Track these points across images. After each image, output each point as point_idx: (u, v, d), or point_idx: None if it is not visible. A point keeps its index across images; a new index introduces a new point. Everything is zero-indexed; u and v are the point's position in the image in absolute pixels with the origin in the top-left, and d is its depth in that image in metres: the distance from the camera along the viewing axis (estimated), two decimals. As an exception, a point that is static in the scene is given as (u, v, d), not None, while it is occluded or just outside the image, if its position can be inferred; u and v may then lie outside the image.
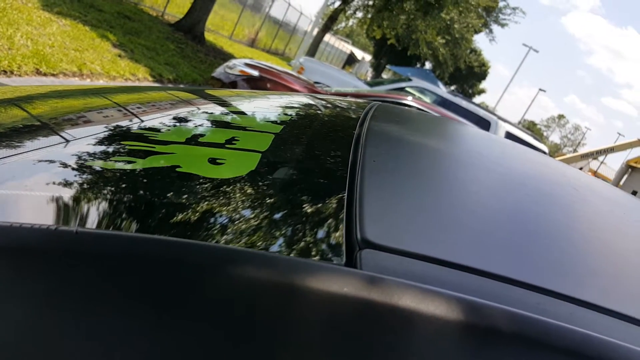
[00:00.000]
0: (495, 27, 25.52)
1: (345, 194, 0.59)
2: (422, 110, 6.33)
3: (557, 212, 0.78)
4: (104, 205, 0.54)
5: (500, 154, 1.11)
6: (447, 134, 1.27)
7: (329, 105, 1.28)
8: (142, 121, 0.85)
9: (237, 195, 0.57)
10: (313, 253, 0.47)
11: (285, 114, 1.02)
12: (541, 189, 0.87)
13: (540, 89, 45.72)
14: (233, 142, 0.74)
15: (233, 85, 5.94)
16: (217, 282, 0.39)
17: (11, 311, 0.40)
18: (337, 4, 17.17)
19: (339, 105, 1.30)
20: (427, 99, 8.20)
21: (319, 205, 0.57)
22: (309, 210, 0.55)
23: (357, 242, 0.48)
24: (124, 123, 0.84)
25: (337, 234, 0.50)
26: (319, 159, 0.77)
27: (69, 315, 0.39)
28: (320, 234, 0.51)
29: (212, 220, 0.52)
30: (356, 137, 0.83)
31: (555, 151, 64.91)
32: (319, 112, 1.17)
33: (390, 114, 1.21)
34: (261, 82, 6.05)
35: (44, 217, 0.52)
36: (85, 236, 0.43)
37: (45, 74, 4.71)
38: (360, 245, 0.47)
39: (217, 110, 1.06)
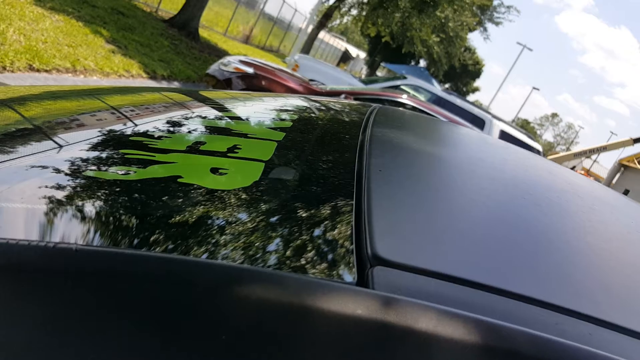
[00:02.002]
0: (489, 26, 25.62)
1: (353, 208, 0.57)
2: (418, 108, 6.34)
3: (569, 224, 0.76)
4: (103, 219, 0.52)
5: (506, 161, 1.09)
6: (451, 140, 1.25)
7: (329, 109, 1.26)
8: (142, 127, 0.82)
9: (241, 208, 0.55)
10: (323, 271, 0.45)
11: (287, 120, 1.00)
12: (549, 199, 0.86)
13: (533, 88, 45.90)
14: (235, 150, 0.72)
15: (228, 82, 5.91)
16: (224, 303, 0.37)
17: (9, 334, 0.38)
18: (332, 1, 17.14)
19: (340, 109, 1.28)
20: (421, 97, 8.21)
21: (326, 219, 0.55)
22: (316, 225, 0.53)
23: (368, 259, 0.46)
24: (123, 129, 0.82)
25: (347, 250, 0.48)
26: (324, 169, 0.75)
27: (69, 338, 0.37)
28: (329, 250, 0.49)
29: (216, 235, 0.49)
30: (360, 145, 0.81)
31: (548, 150, 65.16)
32: (320, 117, 1.15)
33: (392, 118, 1.19)
34: (256, 80, 6.03)
35: (40, 232, 0.50)
36: (85, 253, 0.42)
37: (38, 70, 4.67)
38: (372, 262, 0.45)
39: (218, 115, 1.04)
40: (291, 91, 6.13)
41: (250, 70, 6.03)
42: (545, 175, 1.04)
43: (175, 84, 7.24)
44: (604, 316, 0.47)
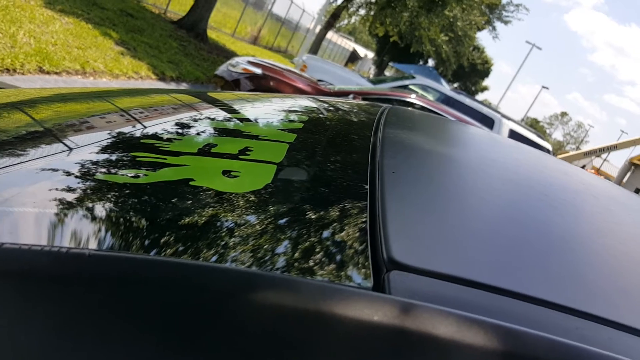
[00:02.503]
0: (498, 25, 25.45)
1: (367, 210, 0.56)
2: (427, 108, 6.31)
3: (588, 226, 0.75)
4: (115, 223, 0.52)
5: (520, 161, 1.08)
6: (463, 140, 1.24)
7: (340, 110, 1.25)
8: (152, 130, 0.82)
9: (254, 211, 0.54)
10: (338, 276, 0.44)
11: (297, 121, 0.99)
12: (565, 199, 0.85)
13: (543, 86, 45.68)
14: (247, 152, 0.72)
15: (236, 83, 5.92)
16: (239, 309, 0.37)
17: (22, 340, 0.38)
18: (340, 1, 17.13)
19: (350, 110, 1.27)
20: (430, 97, 8.17)
21: (340, 222, 0.54)
22: (330, 228, 0.52)
23: (383, 263, 0.45)
24: (134, 131, 0.82)
25: (362, 254, 0.47)
26: (336, 171, 0.74)
27: (82, 344, 0.37)
28: (344, 254, 0.48)
29: (229, 239, 0.49)
30: (372, 147, 0.80)
31: (558, 148, 64.76)
32: (330, 118, 1.14)
33: (403, 119, 1.18)
34: (264, 80, 6.03)
35: (52, 237, 0.49)
36: (98, 258, 0.41)
37: (48, 72, 4.70)
38: (388, 267, 0.44)
39: (228, 117, 1.03)
40: (299, 92, 6.13)
41: (258, 71, 6.03)
42: (559, 176, 1.03)
43: (184, 85, 7.26)
44: (625, 321, 0.46)
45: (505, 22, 24.78)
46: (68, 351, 0.37)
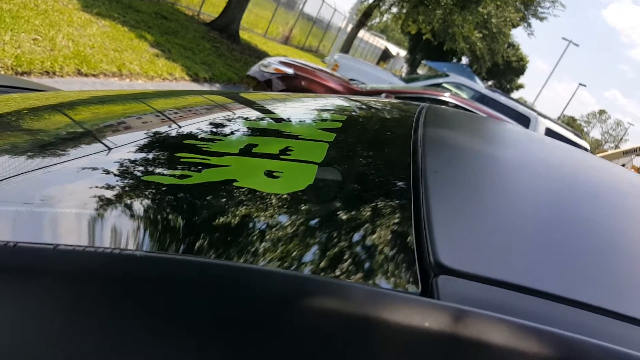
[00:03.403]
0: (533, 21, 24.79)
1: (412, 211, 0.54)
2: (461, 106, 6.21)
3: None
4: (164, 224, 0.52)
5: (565, 161, 1.04)
6: (505, 139, 1.20)
7: (376, 109, 1.24)
8: (194, 130, 0.83)
9: (299, 213, 0.54)
10: (384, 280, 0.43)
11: (335, 121, 0.98)
12: (617, 201, 0.81)
13: (580, 84, 44.56)
14: (287, 152, 0.71)
15: (268, 83, 5.95)
16: (289, 312, 0.36)
17: (78, 340, 0.39)
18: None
19: (387, 109, 1.25)
20: (464, 95, 8.05)
21: (385, 225, 0.52)
22: (374, 230, 0.51)
23: (431, 267, 0.43)
24: (176, 132, 0.83)
25: (409, 259, 0.46)
26: (377, 171, 0.72)
27: (137, 344, 0.38)
28: (390, 257, 0.46)
29: (275, 242, 0.48)
30: (413, 146, 0.78)
31: (595, 147, 63.09)
32: (368, 117, 1.13)
33: (442, 118, 1.15)
34: (296, 80, 6.04)
35: (103, 238, 0.50)
36: (149, 260, 0.42)
37: (86, 75, 4.81)
38: (435, 271, 0.43)
39: (266, 117, 1.04)
40: (331, 91, 6.12)
41: (290, 71, 6.04)
42: (605, 175, 0.99)
43: (217, 86, 7.34)
44: None
45: (541, 19, 24.19)
46: (122, 350, 0.38)
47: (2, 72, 3.81)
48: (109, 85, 5.02)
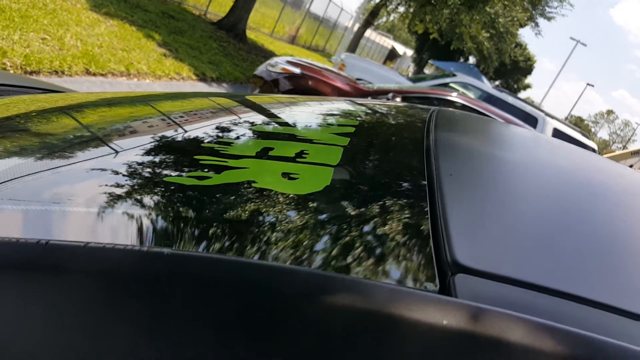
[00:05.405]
0: (541, 21, 24.66)
1: (428, 212, 0.55)
2: (468, 106, 6.19)
3: None
4: (187, 223, 0.53)
5: (576, 163, 1.04)
6: (515, 142, 1.21)
7: (389, 113, 1.25)
8: (210, 133, 0.85)
9: (317, 212, 0.55)
10: (403, 278, 0.44)
11: (348, 125, 0.99)
12: (632, 203, 0.81)
13: (587, 84, 44.27)
14: (303, 155, 0.72)
15: (275, 83, 5.95)
16: (309, 310, 0.37)
17: (108, 337, 0.40)
18: (379, -1, 17.03)
19: (399, 113, 1.26)
20: (471, 95, 8.02)
21: (402, 225, 0.53)
22: (392, 230, 0.51)
23: (448, 266, 0.44)
24: (193, 135, 0.85)
25: (426, 258, 0.47)
26: (393, 173, 0.73)
27: (164, 341, 0.39)
28: (408, 257, 0.47)
29: (296, 240, 0.49)
30: (426, 149, 0.79)
31: (603, 148, 62.72)
32: (381, 121, 1.15)
33: (453, 121, 1.16)
34: (303, 80, 6.03)
35: (131, 236, 0.51)
36: (175, 258, 0.43)
37: (94, 74, 4.83)
38: (452, 270, 0.43)
39: (279, 121, 1.06)
40: (338, 91, 6.12)
41: (297, 70, 6.04)
42: (617, 177, 0.99)
43: (224, 86, 7.36)
44: None
45: (549, 19, 24.05)
46: (153, 346, 0.39)
47: (12, 72, 3.83)
48: (116, 84, 5.04)
